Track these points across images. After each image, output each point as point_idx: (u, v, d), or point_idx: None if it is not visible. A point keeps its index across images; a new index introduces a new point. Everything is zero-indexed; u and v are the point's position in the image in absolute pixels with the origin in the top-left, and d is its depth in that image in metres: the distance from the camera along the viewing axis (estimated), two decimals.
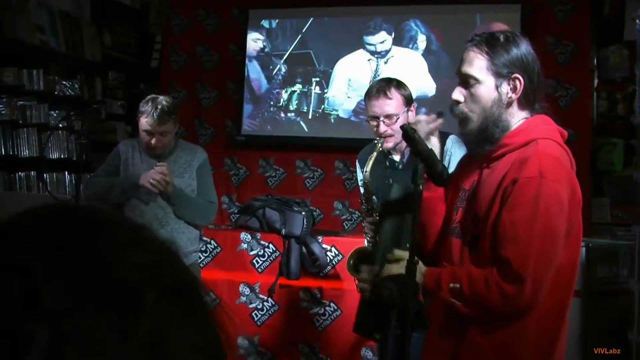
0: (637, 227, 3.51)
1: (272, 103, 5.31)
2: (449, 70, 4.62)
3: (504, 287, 1.79)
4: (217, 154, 5.13)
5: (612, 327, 3.60)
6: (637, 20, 3.68)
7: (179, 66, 5.64)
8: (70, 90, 5.16)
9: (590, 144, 4.66)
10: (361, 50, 5.11)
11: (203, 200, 3.42)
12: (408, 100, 2.84)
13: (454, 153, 2.65)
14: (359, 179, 2.98)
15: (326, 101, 5.18)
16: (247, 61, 5.35)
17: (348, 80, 5.14)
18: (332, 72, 5.17)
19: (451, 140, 2.69)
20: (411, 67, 4.94)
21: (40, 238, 0.47)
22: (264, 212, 4.37)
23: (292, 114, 5.26)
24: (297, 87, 5.25)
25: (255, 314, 4.24)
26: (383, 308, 1.95)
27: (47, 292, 0.43)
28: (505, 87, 1.90)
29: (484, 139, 1.93)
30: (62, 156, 5.02)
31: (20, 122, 4.80)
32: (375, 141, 2.78)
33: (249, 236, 4.31)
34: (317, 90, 5.20)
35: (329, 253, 4.15)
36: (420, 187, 1.91)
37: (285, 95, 5.28)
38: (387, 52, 5.05)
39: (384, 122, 2.77)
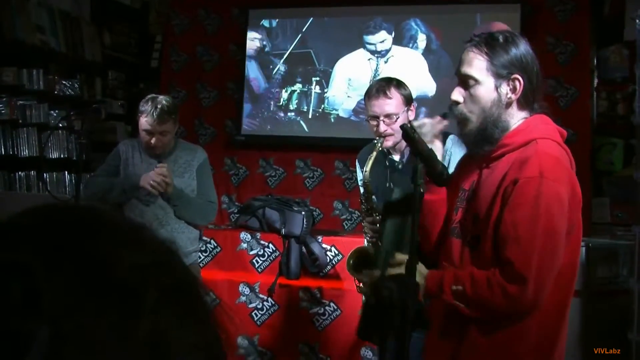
0: (637, 227, 3.51)
1: (271, 102, 5.31)
2: (449, 69, 4.61)
3: (506, 288, 1.78)
4: (217, 153, 5.13)
5: (612, 327, 3.60)
6: (637, 20, 3.68)
7: (179, 66, 5.64)
8: (70, 90, 5.16)
9: (590, 144, 4.66)
10: (361, 50, 5.11)
11: (203, 201, 3.42)
12: (408, 100, 2.84)
13: (454, 153, 2.65)
14: (358, 178, 2.98)
15: (326, 101, 5.18)
16: (246, 61, 5.36)
17: (348, 80, 5.14)
18: (332, 72, 5.17)
19: (451, 140, 2.69)
20: (411, 66, 4.94)
21: (40, 238, 0.47)
22: (264, 211, 4.37)
23: (292, 114, 5.26)
24: (297, 87, 5.25)
25: (255, 313, 4.24)
26: (387, 312, 1.94)
27: (47, 291, 0.43)
28: (505, 88, 1.89)
29: (483, 140, 1.92)
30: (62, 156, 5.02)
31: (20, 121, 4.81)
32: (375, 141, 2.78)
33: (249, 236, 4.31)
34: (317, 89, 5.20)
35: (328, 253, 4.15)
36: (420, 187, 1.91)
37: (285, 95, 5.28)
38: (387, 51, 5.05)
39: (383, 121, 2.77)
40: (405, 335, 1.84)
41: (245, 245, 4.30)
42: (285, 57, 5.29)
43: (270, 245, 4.26)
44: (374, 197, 2.77)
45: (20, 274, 0.44)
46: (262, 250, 4.27)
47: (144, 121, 3.24)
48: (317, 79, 5.21)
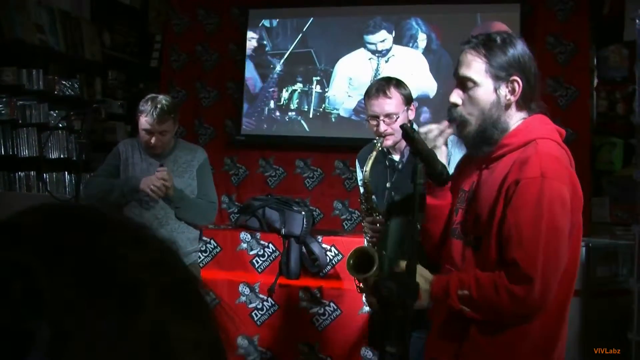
0: (636, 227, 3.51)
1: (270, 102, 5.31)
2: (449, 68, 4.61)
3: (513, 290, 1.78)
4: (217, 153, 5.13)
5: (612, 327, 3.61)
6: (637, 20, 3.68)
7: (178, 66, 5.63)
8: (70, 90, 5.16)
9: (590, 144, 4.66)
10: (362, 49, 5.11)
11: (204, 201, 3.42)
12: (408, 99, 2.83)
13: (454, 154, 2.65)
14: (358, 178, 2.98)
15: (327, 100, 5.18)
16: (246, 61, 5.36)
17: (349, 79, 5.14)
18: (333, 71, 5.17)
19: (451, 140, 2.68)
20: (412, 65, 4.94)
21: (40, 237, 0.47)
22: (264, 211, 4.37)
23: (293, 113, 5.26)
24: (298, 86, 5.25)
25: (255, 313, 4.24)
26: (387, 312, 1.93)
27: (48, 290, 0.43)
28: (504, 90, 1.89)
29: (483, 141, 1.92)
30: (62, 156, 5.02)
31: (20, 121, 4.81)
32: (375, 140, 2.78)
33: (249, 236, 4.30)
34: (318, 89, 5.20)
35: (328, 253, 4.15)
36: (420, 187, 1.90)
37: (285, 95, 5.28)
38: (388, 50, 5.05)
39: (383, 121, 2.76)
40: (405, 336, 1.84)
41: (245, 245, 4.30)
42: (285, 56, 5.29)
43: (270, 245, 4.26)
44: (373, 196, 2.77)
45: (20, 272, 0.44)
46: (262, 250, 4.27)
47: (144, 121, 3.24)
48: (318, 78, 5.21)
